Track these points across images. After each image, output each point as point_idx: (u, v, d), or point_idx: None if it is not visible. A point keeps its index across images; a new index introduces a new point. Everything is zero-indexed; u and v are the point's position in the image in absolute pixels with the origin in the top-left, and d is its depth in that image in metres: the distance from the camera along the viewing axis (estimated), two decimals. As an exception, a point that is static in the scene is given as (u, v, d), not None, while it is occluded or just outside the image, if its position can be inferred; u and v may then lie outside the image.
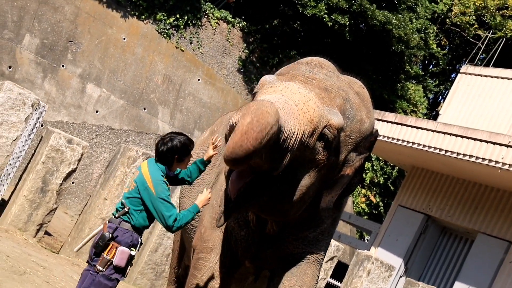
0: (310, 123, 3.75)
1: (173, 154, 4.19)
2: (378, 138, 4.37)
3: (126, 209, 4.13)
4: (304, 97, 3.79)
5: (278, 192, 3.83)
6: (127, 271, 4.16)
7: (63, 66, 12.50)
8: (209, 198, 4.25)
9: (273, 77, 4.01)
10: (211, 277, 4.35)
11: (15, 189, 8.24)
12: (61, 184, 8.05)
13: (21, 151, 7.85)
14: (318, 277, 4.44)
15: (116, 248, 4.07)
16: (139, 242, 4.19)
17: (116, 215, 4.15)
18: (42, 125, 11.24)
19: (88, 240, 4.35)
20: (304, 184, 3.90)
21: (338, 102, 3.96)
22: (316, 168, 3.92)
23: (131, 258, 4.11)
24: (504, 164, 8.94)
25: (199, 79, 14.19)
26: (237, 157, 3.39)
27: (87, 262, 4.24)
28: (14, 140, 7.72)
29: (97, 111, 12.91)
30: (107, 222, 4.19)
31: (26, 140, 7.85)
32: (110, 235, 4.06)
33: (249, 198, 3.77)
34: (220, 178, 4.60)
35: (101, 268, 4.04)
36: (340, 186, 4.17)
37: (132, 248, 4.11)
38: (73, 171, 8.13)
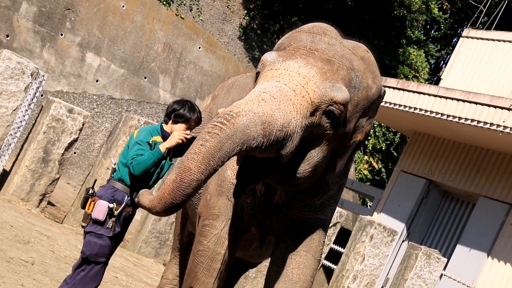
0: (310, 105, 3.74)
1: (172, 112, 4.41)
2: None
3: (113, 166, 4.26)
4: (303, 79, 3.77)
5: (290, 168, 3.87)
6: (117, 231, 4.27)
7: (61, 34, 12.43)
8: (177, 140, 4.32)
9: (274, 55, 3.97)
10: (218, 244, 4.36)
11: (16, 159, 8.25)
12: (62, 154, 8.05)
13: (21, 121, 7.84)
14: (324, 242, 4.47)
15: (94, 202, 4.17)
16: (126, 199, 4.24)
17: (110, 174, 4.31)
18: (42, 95, 11.21)
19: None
20: (316, 158, 3.94)
21: (342, 73, 3.93)
22: (327, 142, 3.95)
23: (111, 211, 4.19)
24: (505, 127, 8.92)
25: (199, 47, 14.12)
26: (168, 209, 3.49)
27: None
28: (14, 110, 7.71)
29: (97, 81, 12.87)
30: None
31: (26, 110, 7.84)
32: (91, 190, 4.19)
33: (261, 176, 3.84)
34: None
35: (84, 224, 4.16)
36: (350, 152, 4.21)
37: (113, 203, 4.19)
38: (75, 140, 8.13)
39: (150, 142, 4.28)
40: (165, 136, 4.33)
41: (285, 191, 4.18)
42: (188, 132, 4.36)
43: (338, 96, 3.81)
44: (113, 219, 4.18)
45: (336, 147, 4.08)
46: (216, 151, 3.44)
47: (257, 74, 3.97)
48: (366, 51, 4.18)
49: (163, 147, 4.25)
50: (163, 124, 4.41)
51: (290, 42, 4.07)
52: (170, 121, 4.38)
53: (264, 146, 3.59)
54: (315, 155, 3.93)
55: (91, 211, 4.13)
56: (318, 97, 3.76)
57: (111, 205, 4.18)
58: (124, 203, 4.23)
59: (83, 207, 4.17)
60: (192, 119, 4.38)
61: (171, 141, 4.28)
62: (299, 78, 3.77)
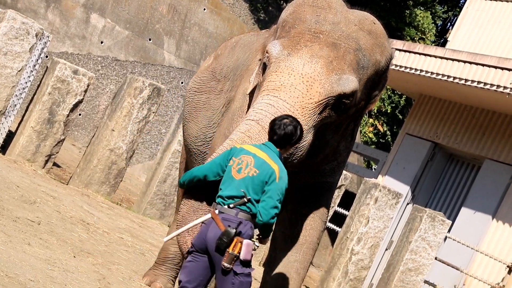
0: (319, 105, 3.85)
1: (291, 137, 3.82)
2: None
3: (246, 199, 3.74)
4: (308, 81, 3.82)
5: (308, 152, 3.98)
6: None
7: (66, -4, 12.34)
8: None
9: (279, 48, 3.95)
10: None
11: (22, 120, 8.25)
12: (68, 115, 8.05)
13: (26, 82, 7.82)
14: (330, 204, 4.51)
15: (241, 242, 3.73)
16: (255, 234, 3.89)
17: (232, 205, 3.75)
18: (47, 56, 11.17)
19: (186, 229, 3.88)
20: (332, 140, 4.11)
21: (349, 58, 3.93)
22: (340, 123, 4.10)
23: (254, 249, 3.84)
24: (512, 89, 8.87)
25: (204, 9, 14.01)
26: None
27: (191, 252, 3.85)
28: (19, 71, 7.69)
29: (102, 42, 12.81)
30: (214, 210, 3.79)
31: (31, 71, 7.82)
32: (235, 230, 3.70)
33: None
34: (232, 107, 4.57)
35: (227, 265, 3.71)
36: (362, 117, 4.36)
37: (253, 240, 3.81)
38: (80, 102, 8.12)
39: None
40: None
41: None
42: None
43: (346, 89, 3.87)
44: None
45: (349, 122, 4.21)
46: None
47: (264, 64, 3.99)
48: (373, 23, 4.13)
49: None
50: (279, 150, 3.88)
51: (294, 22, 4.03)
52: (288, 146, 3.85)
53: None
54: (330, 138, 4.08)
55: (238, 252, 3.71)
56: (324, 97, 3.85)
57: (257, 244, 3.83)
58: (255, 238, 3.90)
59: (226, 247, 3.70)
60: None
61: None
62: (301, 86, 3.83)
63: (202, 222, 3.81)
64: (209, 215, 3.78)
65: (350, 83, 3.87)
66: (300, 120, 3.79)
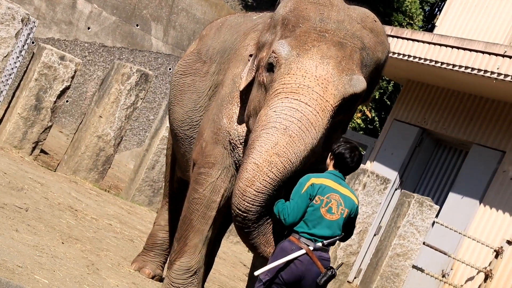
0: (334, 107, 3.85)
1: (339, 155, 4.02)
2: None
3: (339, 236, 3.92)
4: (322, 86, 3.81)
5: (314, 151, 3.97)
6: None
7: (52, -19, 12.25)
8: None
9: (287, 48, 3.90)
10: (213, 192, 4.36)
11: (8, 107, 8.20)
12: (55, 102, 8.01)
13: (12, 68, 7.77)
14: None
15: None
16: None
17: (326, 242, 3.87)
18: (33, 42, 11.09)
19: (276, 265, 3.87)
20: (335, 137, 4.14)
21: (356, 57, 3.94)
22: (341, 121, 4.14)
23: None
24: (499, 74, 8.88)
25: (192, -6, 13.93)
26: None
27: (278, 284, 3.88)
28: (5, 57, 7.63)
29: (89, 28, 12.72)
30: (309, 247, 3.84)
31: (18, 57, 7.76)
32: (335, 273, 3.87)
33: None
34: (221, 92, 4.53)
35: None
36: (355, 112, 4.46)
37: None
38: (67, 88, 8.07)
39: None
40: None
41: None
42: None
43: (358, 89, 3.90)
44: None
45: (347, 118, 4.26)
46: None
47: (271, 64, 3.94)
48: (374, 21, 4.15)
49: None
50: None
51: (298, 20, 3.98)
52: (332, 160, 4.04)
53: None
54: (333, 135, 4.10)
55: None
56: (338, 99, 3.86)
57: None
58: None
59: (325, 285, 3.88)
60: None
61: None
62: (318, 88, 3.81)
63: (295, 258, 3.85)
64: (303, 251, 3.83)
65: (360, 83, 3.91)
66: (320, 124, 3.80)
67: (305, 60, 3.86)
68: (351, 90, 3.88)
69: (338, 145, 3.97)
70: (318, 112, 3.80)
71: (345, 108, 3.95)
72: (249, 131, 4.16)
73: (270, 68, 3.97)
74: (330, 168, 3.97)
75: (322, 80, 3.82)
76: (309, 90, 3.81)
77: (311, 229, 3.85)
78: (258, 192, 3.72)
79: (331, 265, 3.90)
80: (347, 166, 3.95)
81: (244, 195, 3.74)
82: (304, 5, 4.03)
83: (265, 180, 3.71)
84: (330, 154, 3.99)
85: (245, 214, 3.77)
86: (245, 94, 4.30)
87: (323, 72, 3.83)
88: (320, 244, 3.84)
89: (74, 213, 6.24)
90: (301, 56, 3.87)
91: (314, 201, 3.85)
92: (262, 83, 4.04)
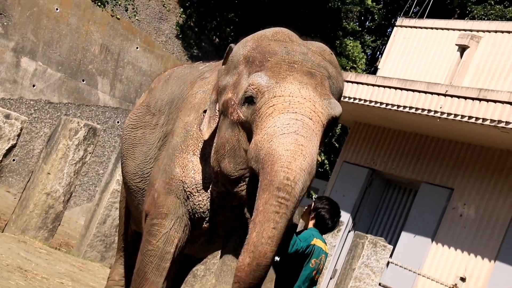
0: (323, 125, 3.79)
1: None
2: None
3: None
4: (310, 103, 3.77)
5: None
6: None
7: (-5, 40, 12.16)
8: None
9: (265, 78, 3.89)
10: (167, 243, 4.31)
11: (-47, 168, 8.03)
12: (1, 161, 7.86)
13: (-44, 129, 7.63)
14: None
15: None
16: None
17: None
18: (-23, 103, 10.95)
19: None
20: None
21: (326, 84, 3.95)
22: None
23: None
24: (442, 113, 9.09)
25: (137, 47, 13.99)
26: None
27: None
28: None
29: (34, 85, 12.63)
30: None
31: (-39, 118, 7.64)
32: None
33: None
34: (172, 141, 4.50)
35: None
36: None
37: None
38: (13, 147, 7.95)
39: None
40: None
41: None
42: None
43: (337, 113, 3.86)
44: None
45: None
46: (285, 228, 3.52)
47: (250, 97, 3.87)
48: (331, 54, 4.19)
49: None
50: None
51: (264, 55, 3.97)
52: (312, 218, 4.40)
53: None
54: None
55: None
56: (325, 118, 3.80)
57: None
58: None
59: None
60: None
61: None
62: (308, 103, 3.76)
63: None
64: None
65: (338, 107, 3.89)
66: (319, 136, 3.74)
67: (286, 84, 3.85)
68: (332, 112, 3.84)
69: (321, 206, 4.06)
70: (314, 124, 3.74)
71: (327, 132, 3.93)
72: (216, 178, 4.13)
73: (249, 101, 3.92)
74: (310, 225, 4.19)
75: (309, 99, 3.80)
76: (301, 105, 3.76)
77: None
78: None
79: None
80: (326, 228, 4.24)
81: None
82: (266, 42, 4.05)
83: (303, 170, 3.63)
84: (311, 211, 4.10)
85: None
86: (207, 141, 4.25)
87: (307, 93, 3.80)
88: None
89: (23, 274, 6.10)
90: (281, 83, 3.87)
91: (310, 264, 4.20)
92: (237, 121, 3.99)
